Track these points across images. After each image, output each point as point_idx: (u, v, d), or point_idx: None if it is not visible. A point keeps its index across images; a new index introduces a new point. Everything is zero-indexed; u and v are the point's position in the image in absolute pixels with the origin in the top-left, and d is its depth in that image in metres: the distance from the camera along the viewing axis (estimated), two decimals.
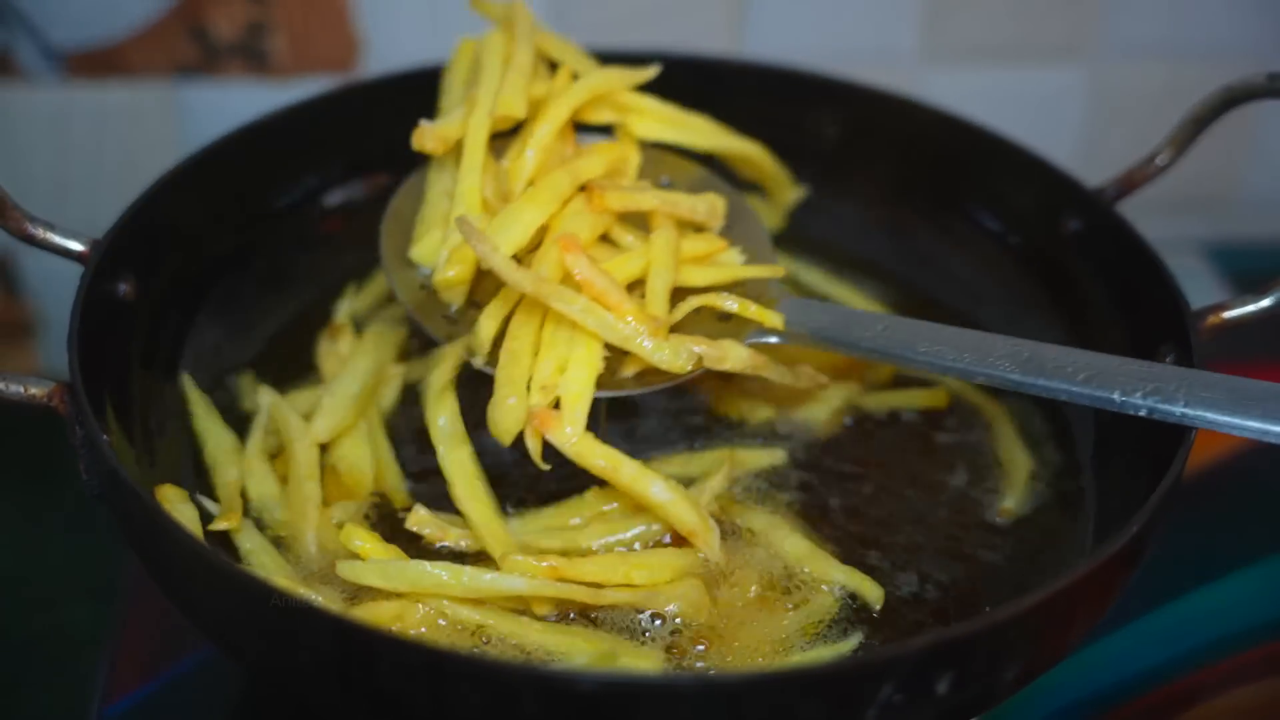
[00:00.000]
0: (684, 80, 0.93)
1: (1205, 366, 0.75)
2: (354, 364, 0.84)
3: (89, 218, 0.85)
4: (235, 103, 1.14)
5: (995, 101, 1.03)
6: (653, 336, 0.73)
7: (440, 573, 0.68)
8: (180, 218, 0.84)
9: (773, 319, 0.77)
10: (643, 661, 0.68)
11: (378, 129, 0.94)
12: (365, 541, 0.72)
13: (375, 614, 0.68)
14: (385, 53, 1.16)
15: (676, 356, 0.74)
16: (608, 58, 0.94)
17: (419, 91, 0.93)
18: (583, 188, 0.80)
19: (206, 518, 0.76)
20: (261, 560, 0.73)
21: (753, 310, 0.77)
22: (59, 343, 0.80)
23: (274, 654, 0.61)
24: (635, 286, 0.77)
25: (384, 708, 0.58)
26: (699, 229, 0.83)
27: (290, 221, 0.93)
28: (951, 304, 0.93)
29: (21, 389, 0.67)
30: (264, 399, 0.82)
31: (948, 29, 1.20)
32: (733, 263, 0.82)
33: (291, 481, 0.78)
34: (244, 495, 0.78)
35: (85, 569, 1.05)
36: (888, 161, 0.97)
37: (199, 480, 0.79)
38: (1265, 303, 0.77)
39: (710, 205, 0.83)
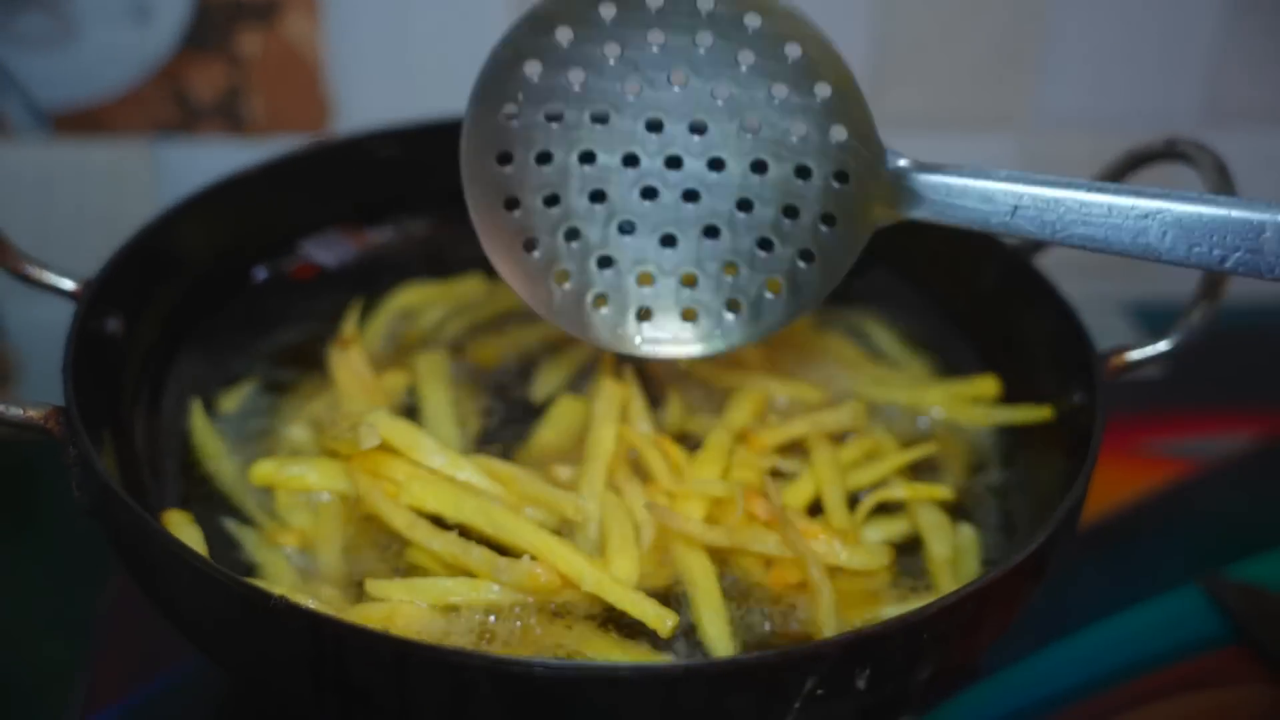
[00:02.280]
0: None
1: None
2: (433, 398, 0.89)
3: (70, 266, 0.88)
4: (211, 161, 1.17)
5: None
6: (846, 546, 0.78)
7: (465, 589, 0.74)
8: (165, 261, 0.89)
9: (941, 492, 0.83)
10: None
11: (350, 182, 1.00)
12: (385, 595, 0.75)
13: (372, 613, 0.72)
14: (353, 115, 1.20)
15: (873, 557, 0.78)
16: None
17: (387, 148, 1.00)
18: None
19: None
20: (274, 570, 0.77)
21: (921, 490, 0.83)
22: (34, 389, 0.82)
23: (254, 654, 0.65)
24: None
25: (353, 700, 0.63)
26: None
27: (267, 266, 0.97)
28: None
29: (20, 411, 0.72)
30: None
31: (888, 99, 1.25)
32: (891, 452, 0.86)
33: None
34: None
35: (58, 608, 1.09)
36: None
37: (188, 500, 0.83)
38: (1163, 346, 0.83)
39: (853, 412, 0.86)
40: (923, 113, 1.27)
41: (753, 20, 0.72)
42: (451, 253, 1.01)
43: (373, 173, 1.00)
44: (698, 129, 0.77)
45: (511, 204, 0.79)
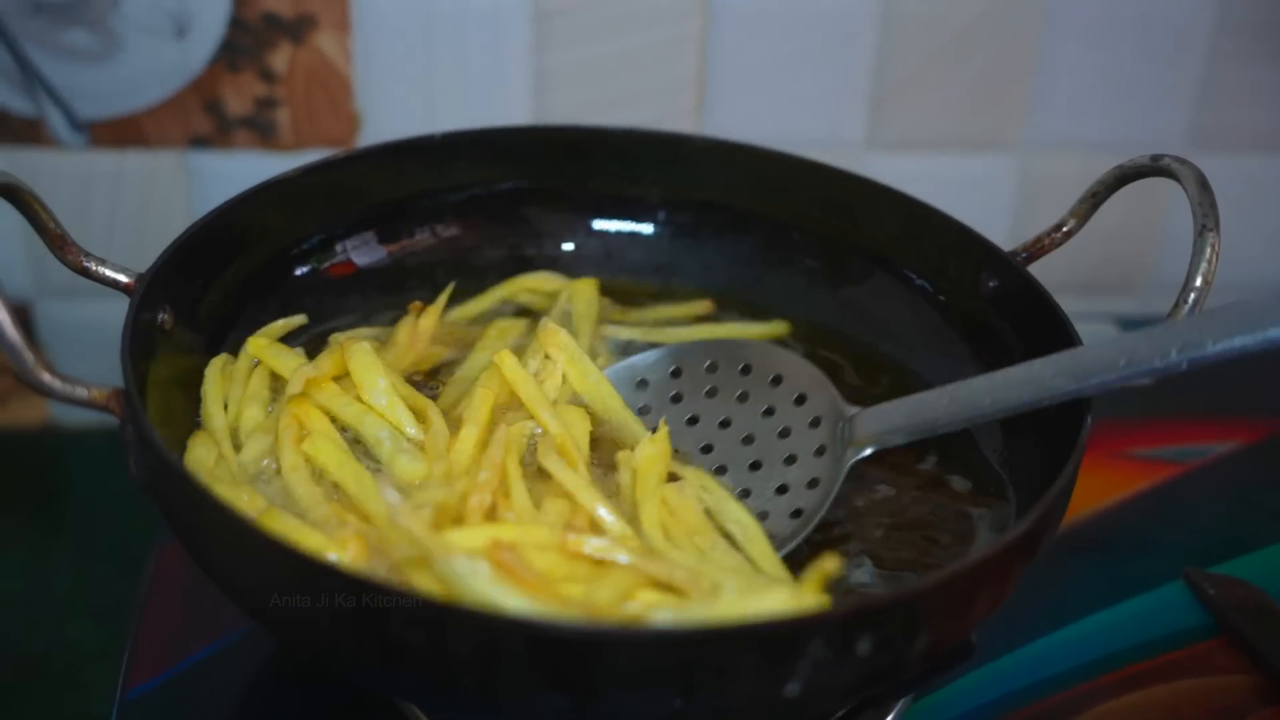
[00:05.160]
0: (649, 151, 1.05)
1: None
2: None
3: None
4: (242, 171, 1.22)
5: (933, 186, 1.08)
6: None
7: None
8: (213, 256, 0.91)
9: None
10: None
11: (382, 188, 1.02)
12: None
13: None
14: (380, 130, 1.23)
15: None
16: (587, 135, 1.05)
17: (416, 157, 1.03)
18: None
19: None
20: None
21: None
22: None
23: (302, 614, 0.68)
24: None
25: (392, 654, 0.67)
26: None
27: (305, 265, 1.00)
28: (887, 353, 1.01)
29: (86, 392, 0.75)
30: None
31: (890, 121, 1.29)
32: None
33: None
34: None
35: (88, 593, 1.14)
36: (830, 229, 1.04)
37: None
38: None
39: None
40: (922, 135, 1.31)
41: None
42: (477, 256, 1.06)
43: (403, 179, 1.04)
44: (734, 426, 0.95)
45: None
